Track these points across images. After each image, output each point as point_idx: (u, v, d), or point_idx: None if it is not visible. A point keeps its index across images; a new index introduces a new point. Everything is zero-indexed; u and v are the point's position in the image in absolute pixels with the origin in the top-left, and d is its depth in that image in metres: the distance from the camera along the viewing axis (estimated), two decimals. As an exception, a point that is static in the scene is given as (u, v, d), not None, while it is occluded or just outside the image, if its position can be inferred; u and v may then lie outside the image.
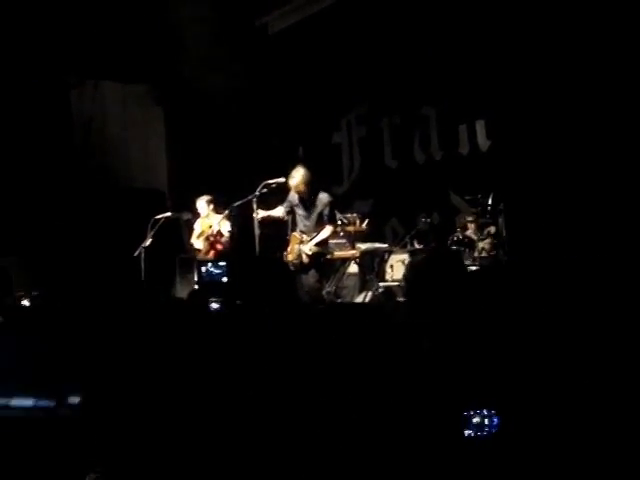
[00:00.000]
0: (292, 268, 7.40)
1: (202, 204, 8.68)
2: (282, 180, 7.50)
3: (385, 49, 8.93)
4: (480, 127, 8.89)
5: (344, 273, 8.65)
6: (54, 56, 9.83)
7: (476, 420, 2.16)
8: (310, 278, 7.34)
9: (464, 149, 9.10)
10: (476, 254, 8.02)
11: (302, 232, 7.44)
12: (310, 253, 7.33)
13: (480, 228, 8.20)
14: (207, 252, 8.55)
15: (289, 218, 7.60)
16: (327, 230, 7.43)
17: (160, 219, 8.60)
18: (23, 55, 9.59)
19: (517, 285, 3.95)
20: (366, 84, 9.68)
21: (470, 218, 8.28)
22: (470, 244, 8.14)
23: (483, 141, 8.88)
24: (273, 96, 10.41)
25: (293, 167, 7.83)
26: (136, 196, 10.28)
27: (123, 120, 11.00)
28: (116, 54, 10.18)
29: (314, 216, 7.42)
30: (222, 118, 10.19)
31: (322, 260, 7.56)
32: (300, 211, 7.50)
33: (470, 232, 8.28)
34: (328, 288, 8.25)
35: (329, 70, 9.83)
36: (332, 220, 7.54)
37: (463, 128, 9.04)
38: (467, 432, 2.19)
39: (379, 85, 9.57)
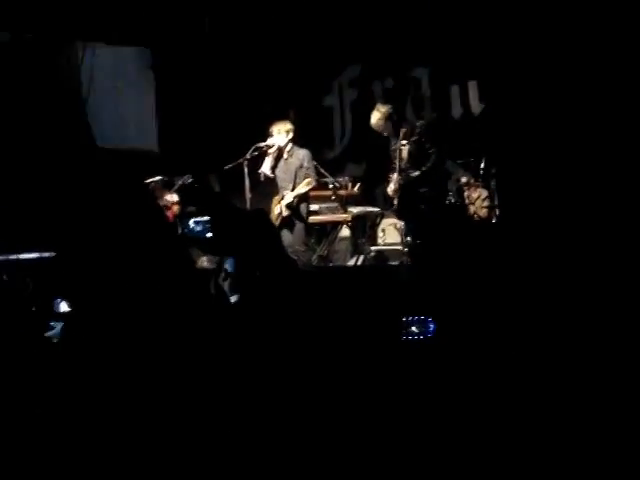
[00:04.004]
0: None
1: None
2: (273, 143, 7.48)
3: (377, 8, 8.82)
4: (473, 90, 8.84)
5: (336, 237, 8.65)
6: (43, 17, 9.69)
7: (413, 327, 2.28)
8: (296, 242, 7.33)
9: (457, 112, 9.07)
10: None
11: (282, 187, 7.46)
12: (288, 202, 7.33)
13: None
14: None
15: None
16: (306, 182, 7.42)
17: (151, 182, 8.58)
18: (10, 17, 9.45)
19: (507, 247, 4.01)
20: (358, 46, 9.59)
21: (465, 179, 8.26)
22: (462, 208, 8.13)
23: (476, 104, 8.84)
24: (265, 59, 10.31)
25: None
26: (127, 158, 10.21)
27: (113, 83, 10.89)
28: (106, 16, 10.04)
29: (292, 170, 7.43)
30: (213, 81, 10.10)
31: (304, 215, 7.51)
32: (279, 171, 7.52)
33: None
34: (320, 252, 8.27)
35: (321, 32, 9.72)
36: (311, 173, 7.52)
37: (455, 91, 9.00)
38: (404, 337, 2.32)
39: (371, 47, 9.49)
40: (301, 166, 7.41)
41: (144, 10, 10.06)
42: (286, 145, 7.46)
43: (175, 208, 8.38)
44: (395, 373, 3.01)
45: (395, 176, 7.20)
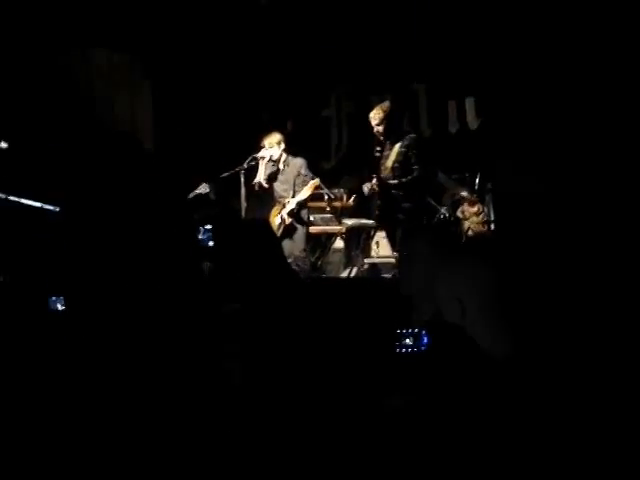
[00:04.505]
0: None
1: None
2: (267, 154, 7.49)
3: (375, 22, 8.86)
4: (470, 105, 8.88)
5: (329, 248, 8.65)
6: (40, 22, 9.69)
7: (407, 339, 2.31)
8: (295, 249, 7.33)
9: (453, 127, 9.10)
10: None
11: (282, 197, 7.46)
12: (290, 208, 7.31)
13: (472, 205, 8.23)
14: None
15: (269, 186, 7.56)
16: (307, 189, 7.41)
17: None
18: (9, 21, 9.45)
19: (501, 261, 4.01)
20: (356, 59, 9.63)
21: (465, 194, 8.27)
22: (457, 222, 8.16)
23: (472, 120, 8.88)
24: (263, 69, 10.33)
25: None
26: (122, 165, 10.19)
27: (109, 90, 10.89)
28: (103, 21, 10.04)
29: (290, 179, 7.42)
30: (210, 91, 10.11)
31: (306, 221, 7.52)
32: (277, 183, 7.52)
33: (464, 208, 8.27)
34: (313, 262, 8.27)
35: (319, 44, 9.75)
36: (310, 180, 7.49)
37: (453, 106, 9.03)
38: (398, 349, 2.34)
39: (369, 60, 9.53)
40: (298, 174, 7.44)
41: (141, 17, 10.08)
42: (280, 156, 7.48)
43: None
44: (389, 385, 3.01)
45: (374, 181, 7.06)
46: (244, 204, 7.38)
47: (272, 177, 7.53)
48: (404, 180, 6.92)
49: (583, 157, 7.04)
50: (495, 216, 7.98)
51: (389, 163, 7.02)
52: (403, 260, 6.48)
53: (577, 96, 7.18)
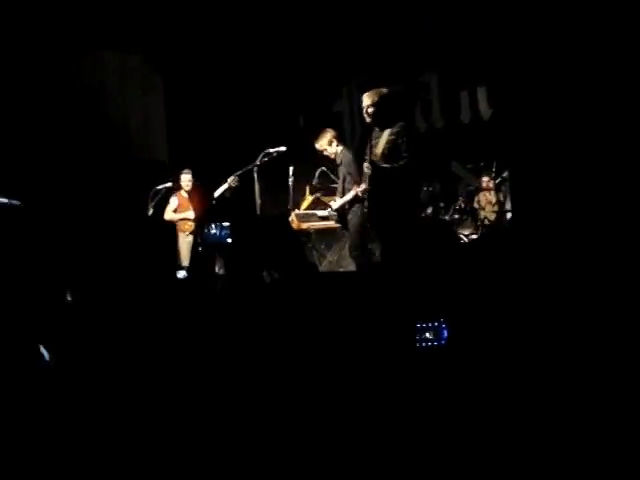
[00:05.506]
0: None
1: (188, 178, 9.02)
2: (283, 149, 7.45)
3: (386, 15, 8.82)
4: (482, 95, 8.82)
5: (345, 243, 8.62)
6: (52, 27, 9.73)
7: (427, 333, 2.32)
8: (350, 244, 7.30)
9: (466, 117, 9.06)
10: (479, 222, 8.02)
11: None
12: (336, 207, 7.28)
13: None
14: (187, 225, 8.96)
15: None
16: (352, 191, 7.24)
17: (161, 189, 8.67)
18: (22, 27, 9.50)
19: (519, 252, 3.98)
20: (367, 52, 9.59)
21: (486, 180, 8.19)
22: (473, 212, 8.13)
23: (485, 109, 8.82)
24: (274, 64, 10.32)
25: (293, 137, 7.79)
26: (136, 167, 10.22)
27: (122, 91, 10.91)
28: (114, 24, 10.07)
29: (341, 176, 7.41)
30: (222, 87, 10.11)
31: (358, 217, 7.26)
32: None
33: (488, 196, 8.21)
34: (329, 257, 8.25)
35: (330, 38, 9.72)
36: (358, 180, 7.27)
37: (465, 96, 8.98)
38: (418, 343, 2.35)
39: (380, 52, 9.49)
40: (349, 172, 7.35)
41: (151, 16, 10.09)
42: (335, 153, 7.44)
43: None
44: (408, 379, 2.99)
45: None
46: (258, 200, 7.35)
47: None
48: (396, 165, 6.66)
49: (600, 145, 6.97)
50: (512, 206, 7.91)
51: (379, 150, 6.79)
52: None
53: (592, 83, 7.10)
